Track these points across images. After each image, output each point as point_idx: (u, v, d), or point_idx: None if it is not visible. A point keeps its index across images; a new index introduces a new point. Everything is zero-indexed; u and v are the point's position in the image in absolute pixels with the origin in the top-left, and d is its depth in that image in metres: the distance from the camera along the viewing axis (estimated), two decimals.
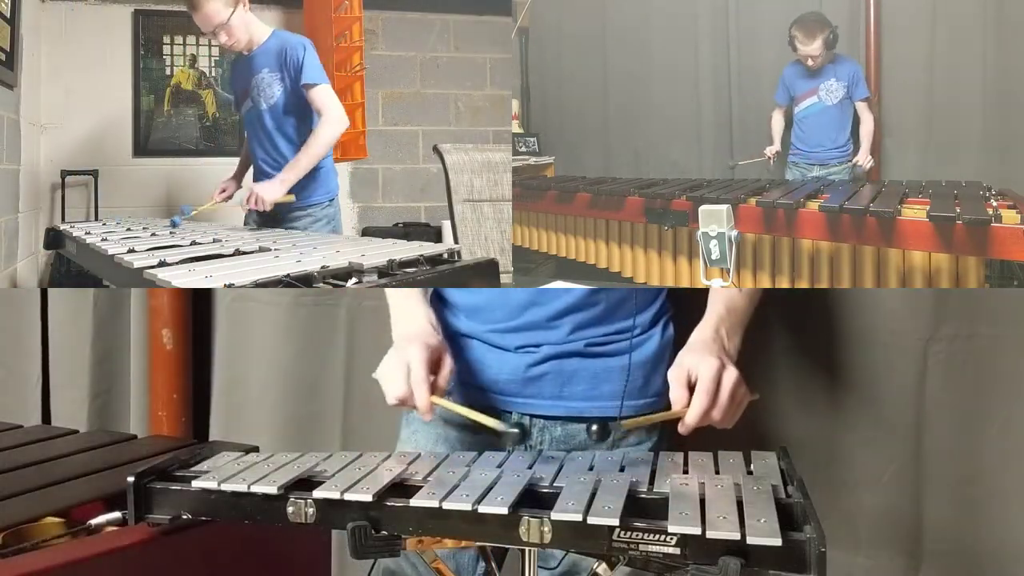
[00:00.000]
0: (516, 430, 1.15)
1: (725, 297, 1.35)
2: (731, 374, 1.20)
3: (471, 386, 1.41)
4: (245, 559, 1.18)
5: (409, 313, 1.40)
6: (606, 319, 1.38)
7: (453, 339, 1.42)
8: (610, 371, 1.37)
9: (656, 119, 3.35)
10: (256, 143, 2.52)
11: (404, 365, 1.24)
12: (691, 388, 1.19)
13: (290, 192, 2.39)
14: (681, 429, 1.19)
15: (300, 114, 2.44)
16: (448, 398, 1.37)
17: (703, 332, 1.29)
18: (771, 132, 2.92)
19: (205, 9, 2.33)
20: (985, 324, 1.67)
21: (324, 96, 2.38)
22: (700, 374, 1.19)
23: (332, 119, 2.38)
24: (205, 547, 1.12)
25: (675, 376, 1.21)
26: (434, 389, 1.24)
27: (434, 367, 1.26)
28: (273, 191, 2.36)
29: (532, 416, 1.38)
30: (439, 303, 1.48)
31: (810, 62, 2.72)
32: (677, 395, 1.20)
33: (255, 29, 2.44)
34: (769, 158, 2.87)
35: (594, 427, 1.13)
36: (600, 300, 1.37)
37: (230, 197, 2.70)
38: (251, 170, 2.62)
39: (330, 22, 3.43)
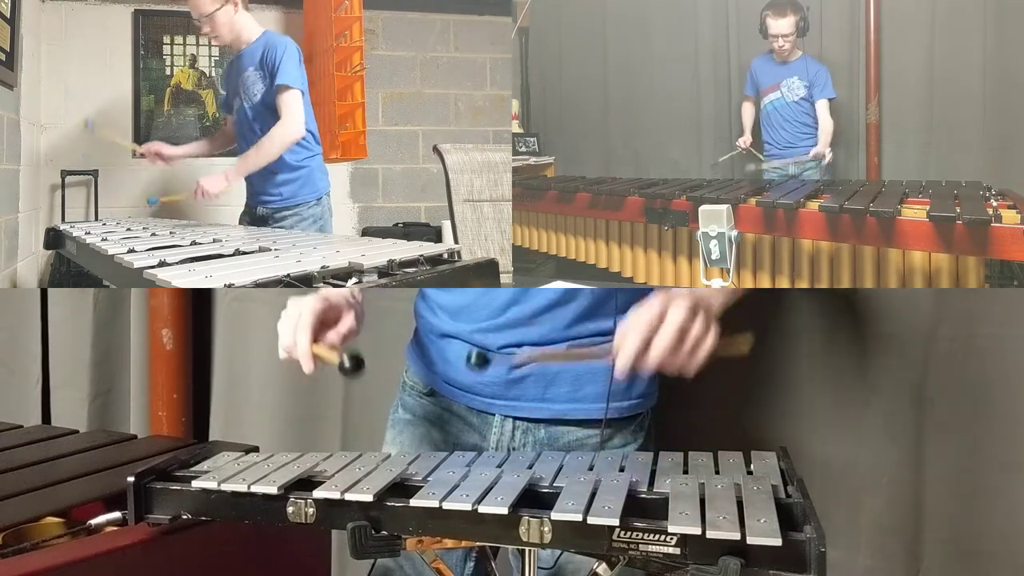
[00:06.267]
0: (348, 364, 1.13)
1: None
2: (679, 308, 1.05)
3: (455, 388, 1.41)
4: (245, 559, 1.18)
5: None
6: (589, 319, 1.35)
7: (437, 340, 1.42)
8: (593, 372, 1.34)
9: (656, 119, 3.35)
10: (242, 140, 2.56)
11: (295, 315, 1.20)
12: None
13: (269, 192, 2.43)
14: (617, 373, 1.08)
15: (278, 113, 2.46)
16: (421, 397, 1.38)
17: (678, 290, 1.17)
18: (742, 123, 2.95)
19: None
20: (985, 324, 1.67)
21: (290, 101, 2.39)
22: (640, 311, 1.07)
23: (289, 124, 2.39)
24: (205, 547, 1.12)
25: (630, 319, 1.09)
26: (317, 337, 1.19)
27: (331, 323, 1.23)
28: (217, 184, 2.41)
29: (516, 419, 1.37)
30: (423, 303, 1.48)
31: (780, 43, 2.73)
32: (618, 339, 1.08)
33: (244, 29, 2.47)
34: (742, 150, 2.89)
35: (473, 356, 1.11)
36: (583, 299, 1.35)
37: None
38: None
39: (330, 22, 3.43)
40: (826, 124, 2.76)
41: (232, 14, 2.43)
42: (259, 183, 2.50)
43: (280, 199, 2.43)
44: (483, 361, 1.12)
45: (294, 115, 2.39)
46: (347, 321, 1.24)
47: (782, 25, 2.72)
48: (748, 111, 2.94)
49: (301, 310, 1.21)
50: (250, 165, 2.41)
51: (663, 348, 1.06)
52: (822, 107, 2.76)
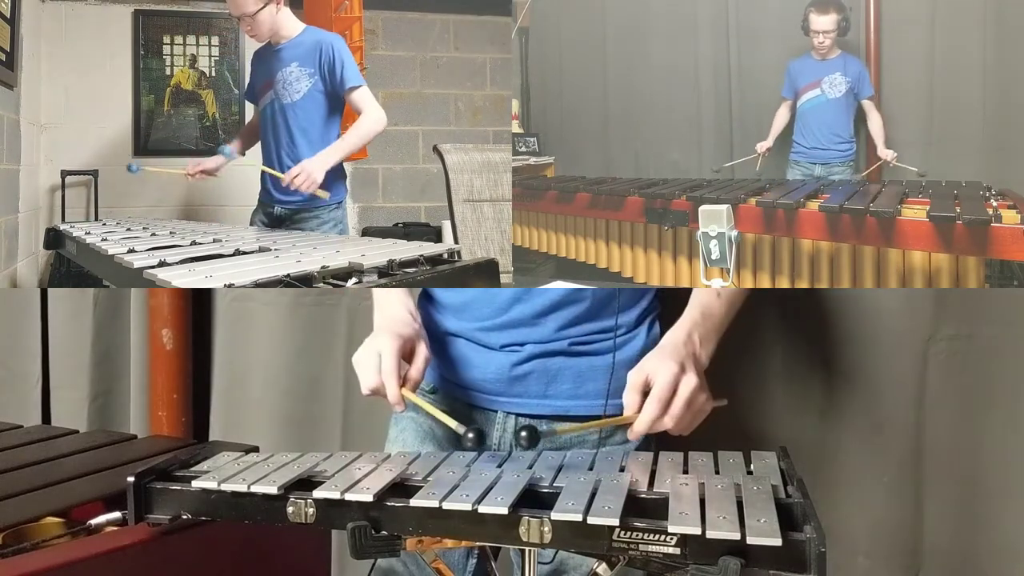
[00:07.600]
0: (472, 434, 1.13)
1: (703, 301, 1.33)
2: (689, 381, 1.18)
3: (458, 385, 1.41)
4: (245, 559, 1.18)
5: (387, 301, 1.41)
6: (591, 317, 1.38)
7: (441, 338, 1.43)
8: (594, 370, 1.37)
9: (656, 119, 3.35)
10: (272, 137, 2.51)
11: (376, 355, 1.25)
12: (648, 393, 1.18)
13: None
14: (630, 435, 1.19)
15: (326, 113, 2.45)
16: (424, 396, 1.37)
17: (674, 335, 1.27)
18: (771, 126, 2.94)
19: None
20: (985, 324, 1.67)
21: (366, 97, 2.46)
22: (656, 380, 1.17)
23: (376, 116, 2.46)
24: (205, 547, 1.12)
25: (633, 379, 1.19)
26: (405, 380, 1.25)
27: (407, 357, 1.27)
28: (321, 172, 2.33)
29: (518, 415, 1.39)
30: (427, 302, 1.48)
31: (821, 39, 2.74)
32: (630, 399, 1.19)
33: (284, 24, 2.46)
34: (760, 155, 2.89)
35: (523, 433, 1.11)
36: (585, 298, 1.37)
37: (243, 152, 2.69)
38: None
39: (330, 22, 3.43)
40: (877, 122, 2.78)
41: (274, 13, 2.42)
42: (281, 183, 2.49)
43: (302, 200, 2.42)
44: (533, 439, 1.14)
45: (377, 108, 2.47)
46: (421, 352, 1.29)
47: (824, 22, 2.74)
48: (782, 115, 2.92)
49: (380, 352, 1.25)
50: (345, 150, 2.43)
51: (677, 419, 1.18)
52: (870, 107, 2.79)
